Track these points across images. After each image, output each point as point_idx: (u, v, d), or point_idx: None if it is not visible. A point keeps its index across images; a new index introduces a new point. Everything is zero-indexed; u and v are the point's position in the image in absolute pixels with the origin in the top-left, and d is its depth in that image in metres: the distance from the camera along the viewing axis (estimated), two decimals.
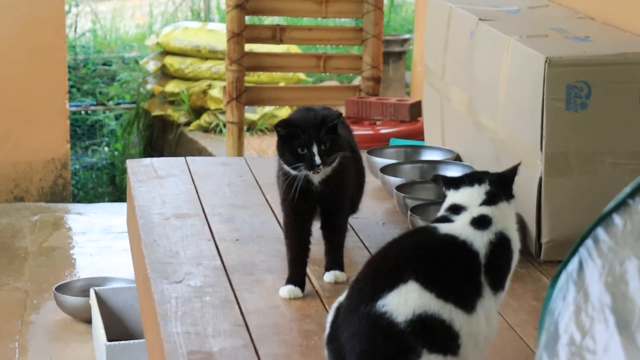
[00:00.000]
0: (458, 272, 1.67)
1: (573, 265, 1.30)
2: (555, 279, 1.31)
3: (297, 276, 2.19)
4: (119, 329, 3.67)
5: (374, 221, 2.63)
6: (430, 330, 1.61)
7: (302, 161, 2.11)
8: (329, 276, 2.21)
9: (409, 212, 2.45)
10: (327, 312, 2.09)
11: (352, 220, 2.58)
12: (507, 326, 2.03)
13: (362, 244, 2.47)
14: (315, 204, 2.19)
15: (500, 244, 1.72)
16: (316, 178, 2.16)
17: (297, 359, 1.89)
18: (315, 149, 2.11)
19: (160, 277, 2.27)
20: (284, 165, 2.16)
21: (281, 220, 2.30)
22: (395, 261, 1.68)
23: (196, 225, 2.59)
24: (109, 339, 3.36)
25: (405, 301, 1.61)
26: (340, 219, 2.24)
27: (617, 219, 1.28)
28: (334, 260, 2.22)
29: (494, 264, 1.70)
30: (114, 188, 7.11)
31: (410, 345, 1.60)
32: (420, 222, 2.40)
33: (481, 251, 1.70)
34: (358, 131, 4.24)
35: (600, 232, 1.29)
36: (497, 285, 1.71)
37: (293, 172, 2.14)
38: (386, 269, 1.67)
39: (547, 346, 1.26)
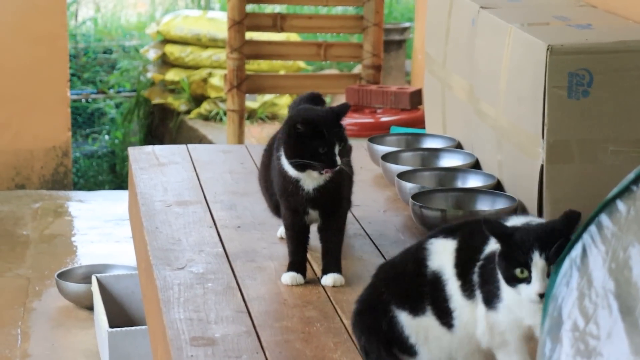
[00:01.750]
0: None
1: (577, 251, 1.30)
2: (558, 265, 1.31)
3: (298, 263, 2.19)
4: (121, 315, 3.67)
5: (375, 209, 2.63)
6: None
7: (320, 160, 2.05)
8: (328, 279, 2.15)
9: (410, 200, 2.46)
10: (329, 298, 2.11)
11: (354, 208, 2.58)
12: None
13: (364, 232, 2.47)
14: (307, 205, 2.15)
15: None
16: (311, 185, 2.11)
17: (299, 346, 1.90)
18: (336, 149, 2.05)
19: (162, 263, 2.27)
20: (283, 163, 2.10)
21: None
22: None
23: (198, 212, 2.60)
24: (111, 326, 3.37)
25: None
26: (338, 220, 2.20)
27: (620, 205, 1.29)
28: (332, 262, 2.17)
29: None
30: (114, 176, 7.11)
31: None
32: (421, 210, 2.40)
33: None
34: (359, 119, 4.24)
35: (604, 218, 1.30)
36: None
37: (293, 173, 2.09)
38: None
39: (550, 332, 1.27)
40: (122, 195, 5.07)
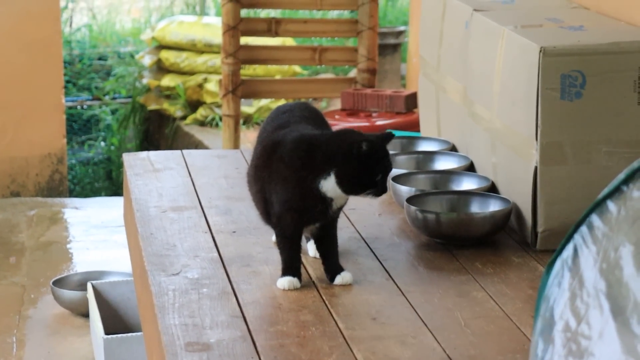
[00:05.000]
0: None
1: (568, 251, 1.30)
2: (550, 265, 1.32)
3: (294, 268, 2.19)
4: (117, 322, 3.67)
5: (370, 212, 2.63)
6: None
7: (375, 186, 2.08)
8: (346, 277, 2.18)
9: (405, 203, 2.46)
10: (324, 302, 2.11)
11: (349, 211, 2.59)
12: (503, 315, 2.04)
13: (359, 235, 2.47)
14: (323, 220, 2.17)
15: None
16: (339, 204, 2.13)
17: (294, 350, 1.90)
18: (389, 175, 2.10)
19: (157, 269, 2.27)
20: (321, 184, 2.09)
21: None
22: None
23: (193, 217, 2.60)
24: (107, 333, 3.37)
25: None
26: (335, 226, 2.22)
27: (611, 205, 1.29)
28: (337, 264, 2.20)
29: None
30: (110, 183, 7.11)
31: None
32: (416, 213, 2.40)
33: None
34: (354, 123, 4.24)
35: (594, 218, 1.30)
36: None
37: (334, 194, 2.09)
38: None
39: (542, 332, 1.27)
40: (118, 201, 5.07)
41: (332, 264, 2.20)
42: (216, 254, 2.36)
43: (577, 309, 1.23)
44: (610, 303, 1.20)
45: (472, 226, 2.39)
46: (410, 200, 2.47)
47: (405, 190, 2.56)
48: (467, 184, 2.64)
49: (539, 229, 2.39)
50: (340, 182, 2.09)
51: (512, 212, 2.44)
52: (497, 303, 2.09)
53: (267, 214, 2.25)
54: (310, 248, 2.32)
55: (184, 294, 2.14)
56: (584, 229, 1.30)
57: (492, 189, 2.60)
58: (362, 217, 2.58)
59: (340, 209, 2.18)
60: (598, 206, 1.30)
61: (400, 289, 2.17)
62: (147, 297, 2.21)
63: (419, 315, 2.03)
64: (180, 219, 2.58)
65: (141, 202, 2.72)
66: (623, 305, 1.17)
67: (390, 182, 2.63)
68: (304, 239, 2.25)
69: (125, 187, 2.99)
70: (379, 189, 2.09)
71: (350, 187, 2.10)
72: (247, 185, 2.33)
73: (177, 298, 2.12)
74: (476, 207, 2.49)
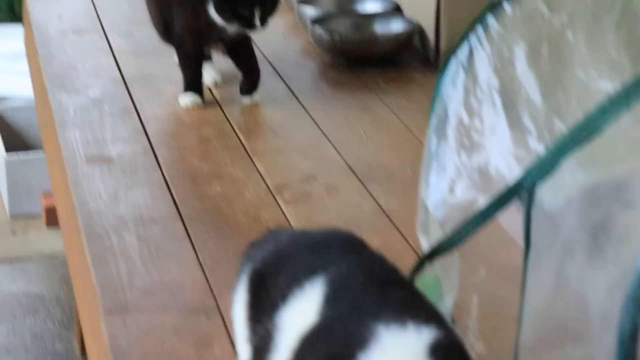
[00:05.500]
0: None
1: (463, 52, 1.31)
2: (445, 66, 1.33)
3: (197, 86, 2.18)
4: (19, 147, 3.63)
5: (275, 34, 2.61)
6: None
7: (239, 19, 2.04)
8: (248, 99, 2.17)
9: (309, 24, 2.45)
10: (226, 117, 2.11)
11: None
12: (404, 128, 2.07)
13: (263, 55, 2.46)
14: (222, 42, 2.15)
15: None
16: (235, 31, 2.09)
17: (196, 162, 1.91)
18: (257, 12, 2.04)
19: (58, 88, 2.24)
20: (209, 10, 2.06)
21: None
22: None
23: (95, 39, 2.56)
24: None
25: None
26: (250, 42, 2.19)
27: (506, 5, 1.30)
28: (255, 81, 2.18)
29: None
30: (12, 15, 6.92)
31: None
32: (321, 33, 2.39)
33: None
34: None
35: (490, 19, 1.31)
36: None
37: (220, 22, 2.06)
38: None
39: (437, 130, 1.29)
40: (19, 30, 4.95)
41: (249, 81, 2.18)
42: (118, 74, 2.33)
43: (471, 105, 1.25)
44: (503, 99, 1.22)
45: (376, 46, 2.40)
46: (316, 21, 2.46)
47: (310, 12, 2.54)
48: (372, 5, 2.63)
49: (442, 48, 2.40)
50: (213, 8, 2.06)
51: (415, 33, 2.44)
52: (399, 117, 2.11)
53: (166, 33, 2.23)
54: (206, 75, 2.26)
55: (85, 111, 2.12)
56: (479, 30, 1.31)
57: (396, 11, 2.59)
58: (266, 38, 2.55)
59: (239, 33, 2.15)
60: (494, 7, 1.31)
61: (303, 106, 2.17)
62: (48, 115, 2.19)
63: (321, 130, 2.05)
64: (81, 41, 2.54)
65: (41, 24, 2.66)
66: (515, 100, 1.20)
67: (295, 5, 2.61)
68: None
69: (24, 11, 2.92)
70: (244, 21, 2.05)
71: (219, 14, 2.06)
72: (145, 5, 2.30)
73: (77, 115, 2.10)
74: (380, 28, 2.49)
